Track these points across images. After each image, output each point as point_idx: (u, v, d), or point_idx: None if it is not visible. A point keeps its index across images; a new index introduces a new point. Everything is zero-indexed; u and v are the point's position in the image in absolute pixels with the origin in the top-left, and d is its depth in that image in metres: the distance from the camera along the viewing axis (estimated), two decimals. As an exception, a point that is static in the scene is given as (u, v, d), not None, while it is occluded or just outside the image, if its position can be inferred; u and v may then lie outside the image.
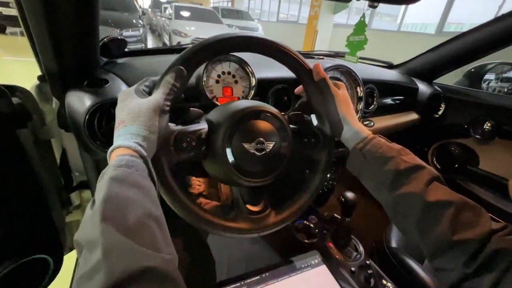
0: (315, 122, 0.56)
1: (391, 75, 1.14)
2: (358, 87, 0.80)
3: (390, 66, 1.30)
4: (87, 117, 0.50)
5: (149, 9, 11.49)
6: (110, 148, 0.35)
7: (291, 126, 0.52)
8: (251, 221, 0.49)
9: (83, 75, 0.57)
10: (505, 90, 1.46)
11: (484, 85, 1.43)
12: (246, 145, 0.45)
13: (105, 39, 0.64)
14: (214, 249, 0.70)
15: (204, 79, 0.59)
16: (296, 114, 0.55)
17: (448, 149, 1.20)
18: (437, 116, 1.18)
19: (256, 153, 0.45)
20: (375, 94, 0.92)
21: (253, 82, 0.65)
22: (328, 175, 1.11)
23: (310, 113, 0.58)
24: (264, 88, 0.71)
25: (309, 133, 0.54)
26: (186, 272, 1.02)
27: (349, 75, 0.80)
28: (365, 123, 0.94)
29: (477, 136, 1.08)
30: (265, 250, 0.66)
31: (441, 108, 1.17)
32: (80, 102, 0.51)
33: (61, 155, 0.72)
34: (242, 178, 0.45)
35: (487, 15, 5.73)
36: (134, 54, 0.78)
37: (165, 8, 7.87)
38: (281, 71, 0.76)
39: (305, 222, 0.97)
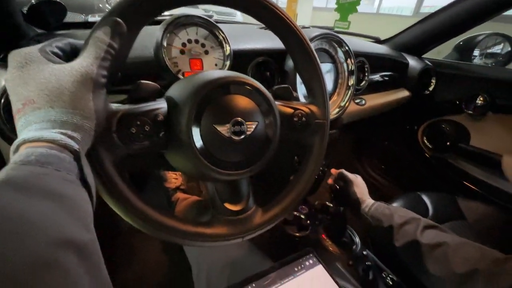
0: (302, 99, 0.46)
1: (381, 49, 1.06)
2: (349, 59, 0.70)
3: (378, 41, 1.22)
4: (2, 100, 0.38)
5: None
6: (15, 143, 0.22)
7: (276, 103, 0.41)
8: (231, 223, 0.39)
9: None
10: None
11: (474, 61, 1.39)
12: (219, 128, 0.34)
13: (32, 0, 0.49)
14: (191, 257, 0.59)
15: (165, 48, 0.47)
16: (283, 88, 0.45)
17: (439, 127, 1.14)
18: (428, 92, 1.12)
19: (234, 137, 0.35)
20: (366, 69, 0.83)
21: (227, 50, 0.53)
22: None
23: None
24: (242, 62, 0.59)
25: (299, 112, 0.44)
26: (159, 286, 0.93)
27: (339, 46, 0.70)
28: (356, 101, 0.85)
29: (469, 112, 1.03)
30: (251, 252, 0.57)
31: (432, 83, 1.11)
32: None
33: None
34: (216, 171, 0.35)
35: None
36: (80, 26, 0.63)
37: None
38: (262, 42, 0.65)
39: (295, 213, 0.89)
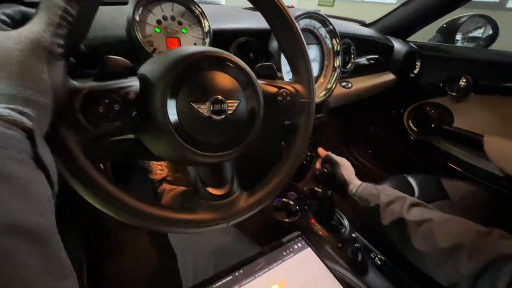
0: (286, 74, 0.44)
1: (366, 31, 1.05)
2: (334, 39, 0.68)
3: (363, 24, 1.20)
4: None
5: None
6: None
7: (259, 81, 0.39)
8: (215, 208, 0.37)
9: None
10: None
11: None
12: (197, 106, 0.31)
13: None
14: (176, 246, 0.57)
15: (137, 24, 0.43)
16: (266, 66, 0.42)
17: (423, 110, 1.16)
18: (413, 75, 1.12)
19: (214, 116, 0.32)
20: (352, 51, 0.82)
21: (206, 27, 0.50)
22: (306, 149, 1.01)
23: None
24: (224, 43, 0.56)
25: (283, 91, 0.42)
26: (147, 280, 0.91)
27: (323, 25, 0.68)
28: (343, 84, 0.84)
29: (453, 93, 1.05)
30: (239, 240, 0.55)
31: (416, 66, 1.11)
32: None
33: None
34: (196, 153, 0.32)
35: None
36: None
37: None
38: (244, 22, 0.62)
39: (283, 200, 0.88)
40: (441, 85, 1.08)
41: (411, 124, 1.21)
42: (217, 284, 0.40)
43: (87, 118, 0.28)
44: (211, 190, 0.37)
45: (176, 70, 0.30)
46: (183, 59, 0.31)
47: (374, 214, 0.56)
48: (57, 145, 0.26)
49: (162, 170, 1.02)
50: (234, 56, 0.36)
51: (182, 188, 0.94)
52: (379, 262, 0.66)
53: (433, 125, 1.12)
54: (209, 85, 0.33)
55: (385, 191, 0.57)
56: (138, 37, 0.44)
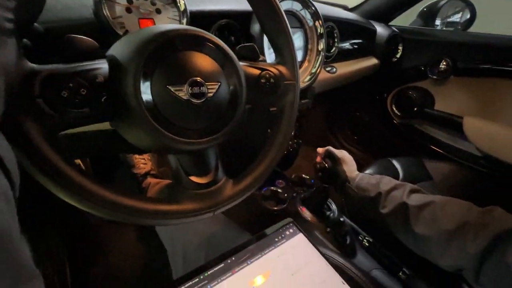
0: (270, 59, 0.42)
1: (349, 15, 1.04)
2: (317, 21, 0.67)
3: (345, 9, 1.19)
4: None
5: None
6: None
7: (241, 63, 0.37)
8: (200, 197, 0.35)
9: None
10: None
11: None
12: (174, 89, 0.29)
13: None
14: (164, 239, 0.55)
15: (105, 3, 0.40)
16: (247, 47, 0.40)
17: (406, 94, 1.17)
18: (395, 59, 1.13)
19: (193, 100, 0.30)
20: (335, 34, 0.81)
21: (182, 6, 0.47)
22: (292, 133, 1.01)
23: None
24: (203, 25, 0.53)
25: (266, 72, 0.40)
26: (136, 276, 0.89)
27: (305, 7, 0.66)
28: (327, 69, 0.83)
29: (433, 77, 1.06)
30: (229, 229, 0.54)
31: (399, 50, 1.12)
32: None
33: None
34: (176, 140, 0.30)
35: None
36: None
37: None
38: (224, 3, 0.59)
39: (272, 188, 0.88)
40: (423, 68, 1.09)
41: (394, 109, 1.23)
42: (209, 272, 0.38)
43: (50, 104, 0.25)
44: (194, 179, 0.36)
45: (148, 49, 0.28)
46: (155, 37, 0.29)
47: (372, 203, 0.55)
48: (18, 137, 0.24)
49: (145, 163, 0.98)
50: (212, 35, 0.33)
51: (167, 181, 0.91)
52: (367, 244, 0.67)
53: (415, 109, 1.14)
54: (186, 67, 0.30)
55: (383, 180, 0.57)
56: (107, 18, 0.40)
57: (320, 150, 0.70)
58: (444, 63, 1.03)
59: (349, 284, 0.41)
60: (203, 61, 0.32)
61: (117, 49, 0.30)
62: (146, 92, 0.28)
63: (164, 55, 0.29)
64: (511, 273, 0.34)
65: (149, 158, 1.00)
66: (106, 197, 0.29)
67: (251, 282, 0.39)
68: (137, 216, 0.31)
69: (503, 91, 0.96)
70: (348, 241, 0.69)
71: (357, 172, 0.63)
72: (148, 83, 0.28)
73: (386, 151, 1.29)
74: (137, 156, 0.98)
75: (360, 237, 0.69)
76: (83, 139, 0.36)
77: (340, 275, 0.43)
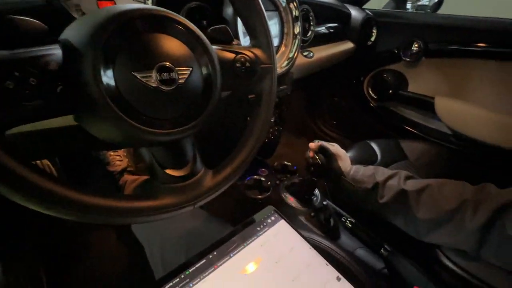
0: (244, 42, 0.40)
1: (323, -2, 1.03)
2: (292, 3, 0.65)
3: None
4: None
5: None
6: None
7: (214, 47, 0.35)
8: (178, 191, 0.34)
9: None
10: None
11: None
12: (140, 76, 0.27)
13: None
14: (141, 238, 0.53)
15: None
16: (219, 29, 0.38)
17: (381, 77, 1.20)
18: (370, 43, 1.14)
19: (163, 87, 0.28)
20: (311, 17, 0.79)
21: (145, -14, 0.43)
22: (272, 119, 1.00)
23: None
24: (172, 8, 0.50)
25: (241, 56, 0.38)
26: (116, 280, 0.86)
27: (280, -12, 0.64)
28: (304, 54, 0.82)
29: (406, 59, 1.09)
30: (211, 222, 0.52)
31: (373, 33, 1.13)
32: None
33: None
34: (146, 131, 0.28)
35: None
36: None
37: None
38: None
39: (255, 177, 0.87)
40: (396, 51, 1.11)
41: (370, 92, 1.25)
42: (190, 270, 0.37)
43: None
44: (170, 172, 0.34)
45: (107, 31, 0.25)
46: (114, 17, 0.26)
47: (370, 194, 0.55)
48: None
49: (121, 160, 0.93)
50: (180, 16, 0.31)
51: (146, 177, 0.87)
52: (349, 225, 0.68)
53: (390, 91, 1.17)
54: (153, 51, 0.28)
55: (378, 170, 0.57)
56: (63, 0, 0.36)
57: (312, 145, 0.68)
58: (416, 45, 1.06)
59: (332, 265, 0.42)
60: (172, 45, 0.29)
61: (71, 32, 0.27)
62: (108, 79, 0.25)
63: (126, 38, 0.26)
64: None
65: (125, 154, 0.96)
66: (73, 199, 0.26)
67: (236, 275, 0.38)
68: (110, 216, 0.29)
69: (472, 71, 1.00)
70: (332, 224, 0.70)
71: (350, 165, 0.63)
72: (110, 70, 0.25)
73: (364, 134, 1.32)
74: (111, 153, 0.93)
75: (343, 219, 0.71)
76: (44, 136, 0.32)
77: (323, 257, 0.43)
